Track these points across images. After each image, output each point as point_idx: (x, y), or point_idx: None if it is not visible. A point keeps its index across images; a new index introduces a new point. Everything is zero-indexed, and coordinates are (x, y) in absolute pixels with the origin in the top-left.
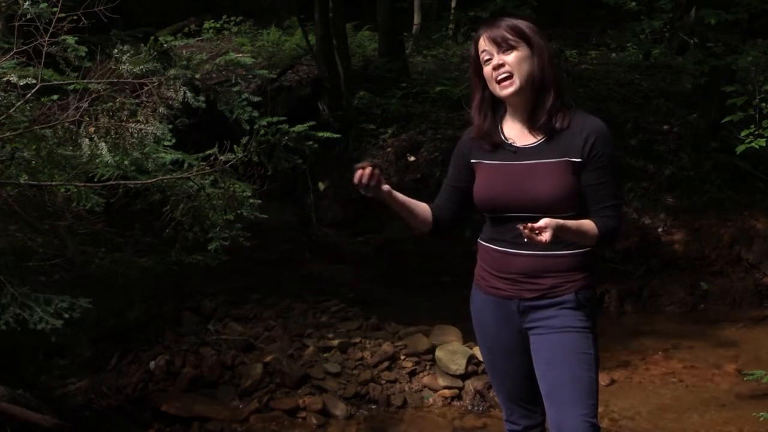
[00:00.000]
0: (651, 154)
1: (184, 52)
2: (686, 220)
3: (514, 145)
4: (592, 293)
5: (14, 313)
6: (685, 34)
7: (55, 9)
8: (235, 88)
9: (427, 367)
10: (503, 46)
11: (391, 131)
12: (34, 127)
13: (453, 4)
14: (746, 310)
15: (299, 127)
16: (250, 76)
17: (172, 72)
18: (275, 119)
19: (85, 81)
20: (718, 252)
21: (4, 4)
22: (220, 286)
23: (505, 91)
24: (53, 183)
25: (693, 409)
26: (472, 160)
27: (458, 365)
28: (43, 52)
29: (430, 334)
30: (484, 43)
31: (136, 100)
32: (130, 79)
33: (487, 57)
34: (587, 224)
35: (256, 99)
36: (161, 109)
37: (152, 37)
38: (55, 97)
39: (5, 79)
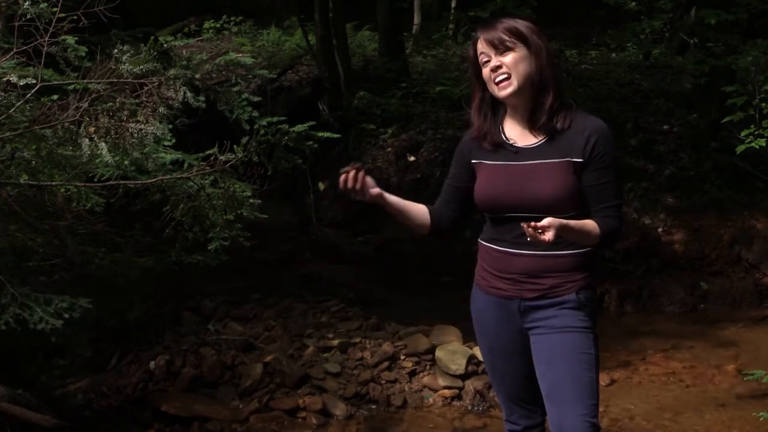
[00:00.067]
0: (651, 154)
1: (184, 52)
2: (686, 220)
3: (516, 145)
4: (592, 293)
5: (14, 313)
6: (685, 34)
7: (55, 9)
8: (235, 88)
9: (427, 367)
10: (500, 48)
11: (391, 131)
12: (34, 127)
13: (453, 4)
14: (746, 310)
15: (299, 127)
16: (250, 76)
17: (172, 72)
18: (275, 119)
19: (85, 81)
20: (718, 252)
21: (4, 4)
22: (220, 286)
23: (504, 92)
24: (53, 183)
25: (693, 409)
26: (472, 161)
27: (458, 365)
28: (43, 52)
29: (430, 334)
30: (481, 45)
31: (136, 100)
32: (130, 79)
33: (485, 59)
34: (589, 224)
35: (256, 99)
36: (161, 109)
37: (152, 37)
38: (55, 97)
39: (5, 79)
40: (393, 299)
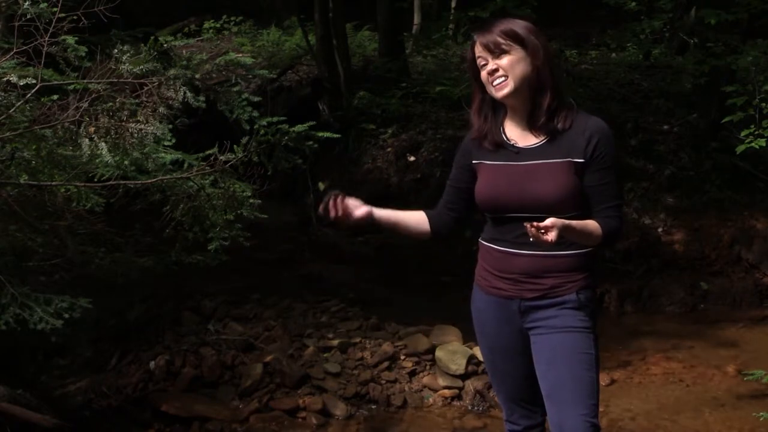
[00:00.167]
0: (651, 154)
1: (184, 52)
2: (686, 220)
3: (516, 145)
4: (592, 293)
5: (14, 313)
6: (685, 34)
7: (55, 9)
8: (235, 88)
9: (427, 367)
10: (496, 51)
11: (391, 131)
12: (34, 127)
13: (453, 4)
14: (746, 310)
15: (299, 127)
16: (250, 76)
17: (172, 72)
18: (275, 119)
19: (85, 81)
20: (718, 252)
21: (4, 4)
22: (220, 286)
23: (500, 93)
24: (53, 183)
25: (693, 409)
26: (473, 161)
27: (458, 365)
28: (43, 52)
29: (430, 334)
30: (478, 49)
31: (136, 100)
32: (130, 79)
33: (482, 62)
34: (591, 224)
35: (256, 99)
36: (161, 109)
37: (152, 37)
38: (55, 97)
39: (5, 79)
40: (393, 299)
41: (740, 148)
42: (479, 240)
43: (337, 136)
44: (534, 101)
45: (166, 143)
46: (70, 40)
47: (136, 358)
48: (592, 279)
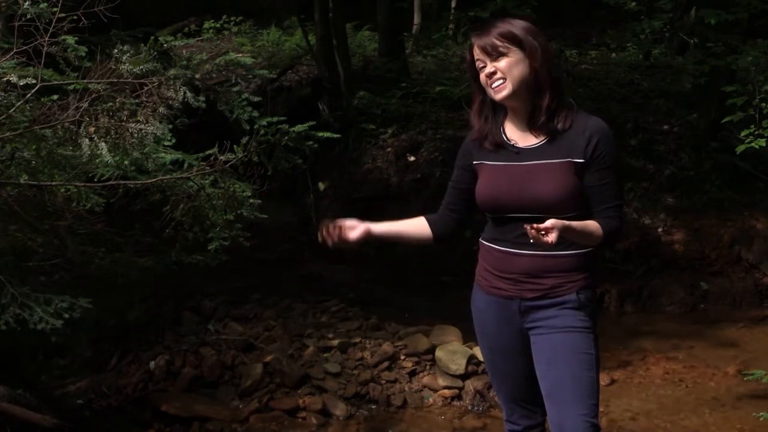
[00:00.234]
0: (651, 154)
1: (184, 52)
2: (686, 220)
3: (517, 145)
4: (592, 293)
5: (14, 313)
6: (685, 34)
7: (55, 9)
8: (235, 88)
9: (427, 367)
10: (493, 54)
11: (391, 131)
12: (34, 127)
13: (453, 4)
14: (746, 310)
15: (299, 127)
16: (250, 76)
17: (172, 72)
18: (275, 119)
19: (85, 81)
20: (718, 252)
21: (4, 4)
22: (220, 286)
23: (499, 95)
24: (53, 183)
25: (693, 409)
26: (474, 162)
27: (458, 365)
28: (43, 52)
29: (430, 334)
30: (476, 52)
31: (136, 100)
32: (130, 79)
33: (480, 65)
34: (592, 225)
35: (256, 99)
36: (161, 109)
37: (152, 37)
38: (55, 97)
39: (5, 79)
40: (393, 299)
41: (740, 148)
42: (480, 240)
43: (337, 136)
44: (533, 102)
45: (166, 143)
46: (70, 40)
47: (136, 358)
48: (593, 279)
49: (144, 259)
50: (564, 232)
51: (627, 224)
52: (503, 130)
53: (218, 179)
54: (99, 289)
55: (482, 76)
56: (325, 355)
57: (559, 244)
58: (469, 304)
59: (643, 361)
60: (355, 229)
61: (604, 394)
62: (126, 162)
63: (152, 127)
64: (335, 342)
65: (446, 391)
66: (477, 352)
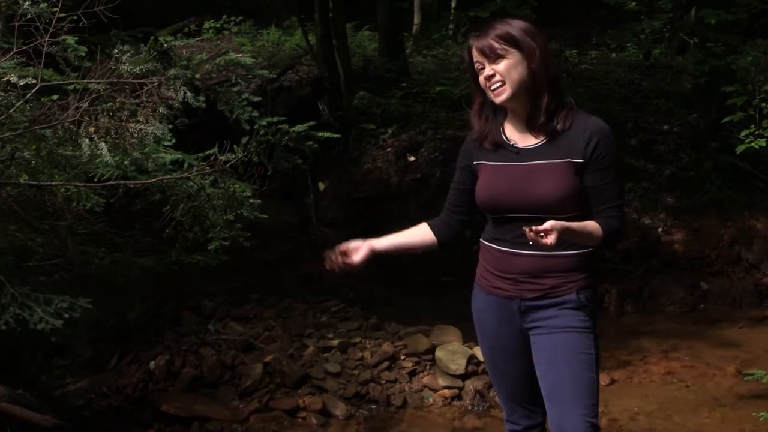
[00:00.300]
0: (651, 154)
1: (184, 52)
2: (686, 220)
3: (516, 146)
4: (593, 293)
5: (14, 313)
6: (685, 34)
7: (55, 9)
8: (235, 88)
9: (427, 367)
10: (491, 56)
11: (391, 131)
12: (34, 127)
13: (453, 4)
14: (746, 310)
15: (299, 127)
16: (250, 76)
17: (172, 72)
18: (275, 119)
19: (85, 81)
20: (718, 252)
21: (4, 4)
22: (220, 286)
23: (499, 98)
24: (53, 183)
25: (693, 409)
26: (474, 162)
27: (458, 365)
28: (43, 52)
29: (430, 334)
30: (475, 54)
31: (136, 100)
32: (130, 79)
33: (479, 67)
34: (592, 225)
35: (256, 99)
36: (161, 109)
37: (152, 37)
38: (55, 97)
39: (5, 79)
40: (393, 299)
41: (740, 148)
42: (480, 240)
43: (337, 136)
44: (532, 103)
45: (166, 143)
46: (70, 40)
47: (136, 358)
48: (593, 279)
49: (144, 259)
50: (563, 233)
51: (627, 224)
52: (503, 130)
53: (218, 179)
54: (99, 289)
55: (481, 78)
56: (325, 355)
57: (559, 244)
58: (469, 304)
59: (643, 361)
60: (358, 250)
61: (604, 394)
62: (126, 162)
63: (152, 127)
64: (335, 342)
65: (446, 391)
66: (477, 352)
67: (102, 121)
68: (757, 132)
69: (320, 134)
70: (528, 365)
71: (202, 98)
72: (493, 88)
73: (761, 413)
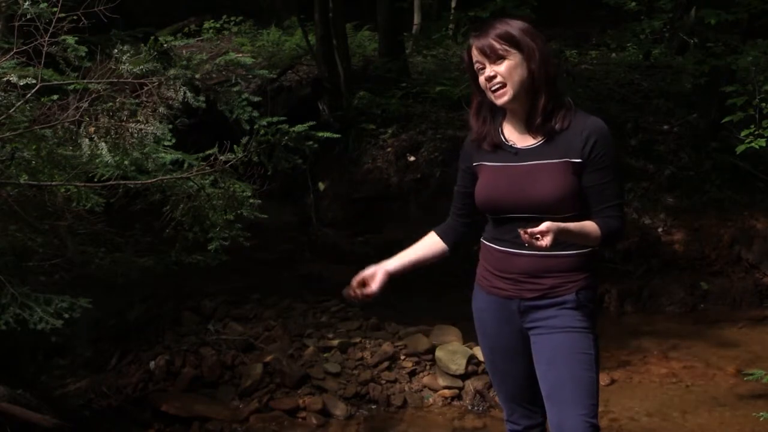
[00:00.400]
0: (651, 154)
1: (184, 52)
2: (686, 220)
3: (515, 146)
4: (592, 293)
5: (14, 313)
6: (685, 34)
7: (55, 9)
8: (235, 88)
9: (427, 367)
10: (492, 57)
11: (391, 131)
12: (34, 127)
13: (453, 4)
14: (746, 310)
15: (299, 127)
16: (250, 76)
17: (172, 72)
18: (275, 119)
19: (85, 81)
20: (718, 252)
21: (4, 4)
22: (220, 286)
23: (500, 100)
24: (53, 183)
25: (693, 409)
26: (474, 164)
27: (458, 365)
28: (43, 52)
29: (430, 334)
30: (475, 54)
31: (136, 100)
32: (130, 79)
33: (479, 67)
34: (589, 226)
35: (256, 99)
36: (161, 109)
37: (152, 37)
38: (55, 97)
39: (5, 79)
40: (393, 299)
41: (740, 148)
42: (481, 239)
43: (337, 136)
44: (531, 103)
45: (166, 143)
46: (70, 40)
47: (136, 358)
48: (592, 279)
49: (144, 259)
50: (560, 234)
51: (627, 224)
52: (501, 131)
53: (218, 179)
54: (99, 289)
55: (481, 79)
56: (325, 355)
57: (558, 244)
58: (469, 304)
59: (643, 361)
60: (374, 277)
61: (604, 394)
62: (126, 162)
63: (152, 127)
64: (335, 342)
65: (446, 391)
66: (477, 352)
67: (102, 121)
68: (757, 132)
69: (320, 134)
70: (528, 365)
71: (202, 98)
72: (493, 89)
73: (761, 413)
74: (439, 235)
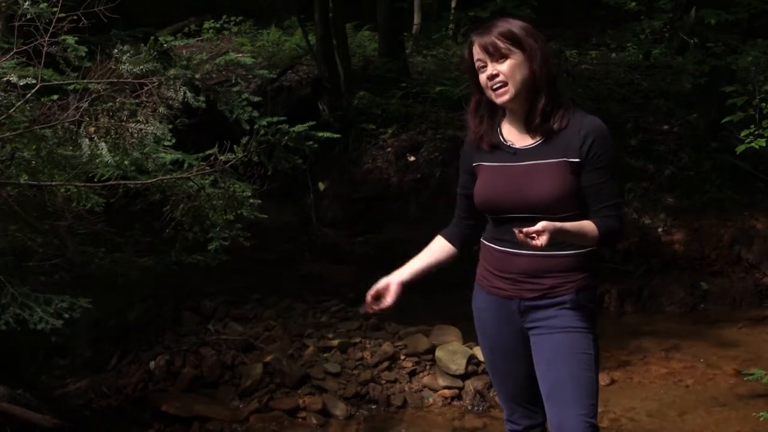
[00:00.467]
0: (651, 154)
1: (184, 52)
2: (686, 220)
3: (513, 146)
4: (592, 293)
5: (14, 313)
6: (685, 34)
7: (55, 9)
8: (235, 88)
9: (427, 367)
10: (495, 55)
11: (391, 131)
12: (34, 127)
13: (453, 4)
14: (746, 310)
15: (299, 127)
16: (250, 76)
17: (172, 72)
18: (275, 119)
19: (85, 81)
20: (718, 252)
21: (4, 4)
22: (220, 286)
23: (501, 98)
24: (53, 183)
25: (693, 409)
26: (474, 164)
27: (458, 365)
28: (43, 52)
29: (430, 334)
30: (477, 51)
31: (136, 100)
32: (130, 79)
33: (481, 65)
34: (587, 225)
35: (256, 99)
36: (161, 109)
37: (152, 37)
38: (55, 97)
39: (5, 79)
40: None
41: (740, 148)
42: (481, 239)
43: (337, 136)
44: (531, 103)
45: (166, 143)
46: (70, 40)
47: (136, 358)
48: (592, 279)
49: (144, 259)
50: (556, 233)
51: (627, 224)
52: (500, 131)
53: (218, 179)
54: (99, 289)
55: (483, 77)
56: (325, 355)
57: (557, 244)
58: (469, 304)
59: (643, 361)
60: (389, 289)
61: (604, 394)
62: (126, 162)
63: (152, 127)
64: (335, 342)
65: (446, 391)
66: (477, 352)
67: (102, 121)
68: (757, 132)
69: (320, 134)
70: (528, 365)
71: (202, 98)
72: (495, 88)
73: (761, 413)
74: (446, 239)
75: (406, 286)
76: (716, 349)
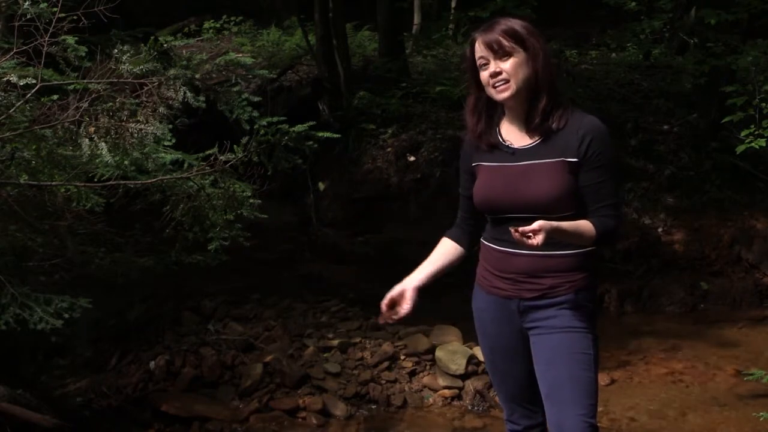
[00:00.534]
0: (651, 154)
1: (184, 52)
2: (686, 220)
3: (512, 146)
4: (592, 293)
5: (14, 313)
6: (685, 34)
7: (55, 9)
8: (235, 88)
9: (427, 367)
10: (499, 53)
11: (391, 131)
12: (34, 127)
13: (453, 4)
14: (746, 310)
15: (299, 127)
16: (250, 76)
17: (172, 72)
18: (275, 119)
19: (85, 81)
20: (718, 252)
21: (4, 4)
22: (220, 286)
23: (502, 95)
24: (53, 183)
25: (693, 409)
26: (473, 164)
27: (458, 365)
28: (43, 52)
29: (430, 334)
30: (479, 49)
31: (136, 100)
32: (130, 79)
33: (483, 62)
34: (584, 225)
35: (256, 99)
36: (161, 109)
37: (152, 37)
38: (55, 97)
39: (5, 79)
40: None
41: (740, 148)
42: (481, 239)
43: (337, 136)
44: (531, 102)
45: (166, 143)
46: (70, 40)
47: (136, 358)
48: (592, 279)
49: (144, 259)
50: (552, 233)
51: (627, 224)
52: (499, 130)
53: (218, 179)
54: (99, 289)
55: (485, 75)
56: (325, 355)
57: (556, 243)
58: (469, 304)
59: (643, 361)
60: (404, 296)
61: (604, 394)
62: (126, 162)
63: (152, 127)
64: (335, 342)
65: (446, 391)
66: (477, 352)
67: (102, 121)
68: (757, 132)
69: (320, 134)
70: (528, 365)
71: (202, 98)
72: (497, 85)
73: (761, 413)
74: (454, 240)
75: (421, 291)
76: (716, 349)
